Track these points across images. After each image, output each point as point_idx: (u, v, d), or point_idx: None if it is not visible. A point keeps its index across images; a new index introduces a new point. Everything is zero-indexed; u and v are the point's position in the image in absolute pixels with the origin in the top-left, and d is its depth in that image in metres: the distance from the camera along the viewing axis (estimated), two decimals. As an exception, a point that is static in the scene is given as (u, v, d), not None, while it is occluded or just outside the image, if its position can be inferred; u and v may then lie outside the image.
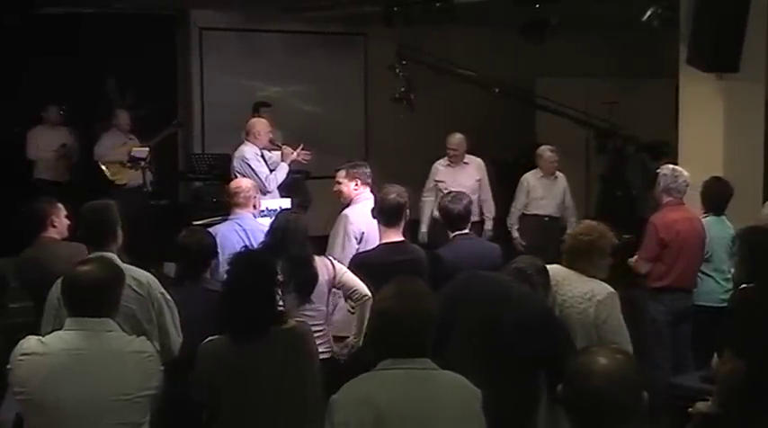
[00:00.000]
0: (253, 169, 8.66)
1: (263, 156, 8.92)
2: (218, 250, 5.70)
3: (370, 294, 5.49)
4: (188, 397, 4.18)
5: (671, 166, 7.22)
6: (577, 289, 4.98)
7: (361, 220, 6.37)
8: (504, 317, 4.45)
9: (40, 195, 11.16)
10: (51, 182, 11.34)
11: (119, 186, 11.01)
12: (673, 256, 6.89)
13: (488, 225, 9.90)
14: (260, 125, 9.07)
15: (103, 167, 11.16)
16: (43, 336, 4.00)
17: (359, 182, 6.68)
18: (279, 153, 9.16)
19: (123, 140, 11.23)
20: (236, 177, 8.58)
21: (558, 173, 10.16)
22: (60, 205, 6.00)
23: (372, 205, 6.29)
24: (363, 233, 6.33)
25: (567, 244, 5.22)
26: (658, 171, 7.17)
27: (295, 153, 9.13)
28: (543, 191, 9.98)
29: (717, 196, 7.28)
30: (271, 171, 8.84)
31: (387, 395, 3.29)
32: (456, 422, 3.37)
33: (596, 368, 2.66)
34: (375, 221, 6.27)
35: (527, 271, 4.81)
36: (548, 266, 4.99)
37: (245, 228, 6.38)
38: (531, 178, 10.04)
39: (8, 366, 3.76)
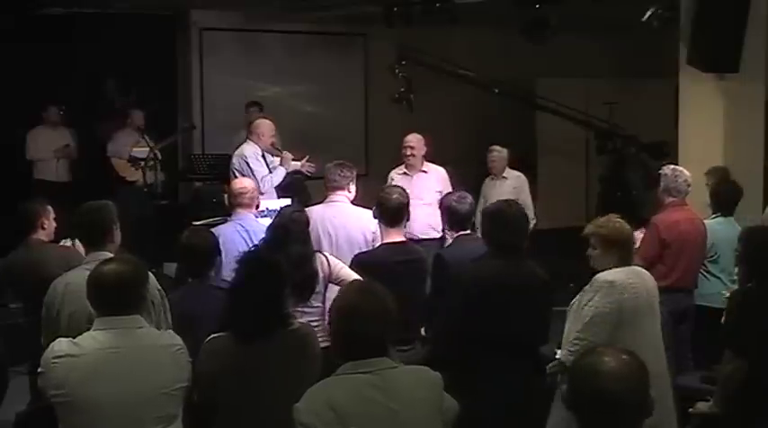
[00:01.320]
0: (251, 168, 8.66)
1: (263, 156, 8.92)
2: (221, 250, 5.70)
3: None
4: (189, 396, 4.17)
5: (671, 166, 7.22)
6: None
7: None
8: None
9: (40, 195, 11.30)
10: (51, 182, 11.36)
11: (129, 182, 11.08)
12: (674, 257, 6.89)
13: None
14: (264, 126, 9.06)
15: (114, 161, 11.33)
16: (44, 340, 4.01)
17: (325, 184, 6.68)
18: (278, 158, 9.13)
19: (137, 139, 11.32)
20: (235, 175, 8.61)
21: (512, 172, 10.08)
22: (49, 207, 5.99)
23: (336, 208, 6.37)
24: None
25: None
26: (660, 171, 7.17)
27: (300, 163, 9.12)
28: (487, 192, 9.84)
29: (727, 197, 7.29)
30: (270, 171, 8.84)
31: (351, 401, 3.25)
32: (425, 417, 3.33)
33: (603, 368, 2.65)
34: (320, 223, 6.30)
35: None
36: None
37: (248, 229, 6.38)
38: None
39: (39, 370, 3.77)
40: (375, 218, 5.94)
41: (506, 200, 5.60)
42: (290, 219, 5.64)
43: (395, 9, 10.96)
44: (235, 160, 8.88)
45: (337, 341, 3.41)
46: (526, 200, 9.69)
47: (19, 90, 11.45)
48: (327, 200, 6.63)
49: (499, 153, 10.09)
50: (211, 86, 12.97)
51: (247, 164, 8.71)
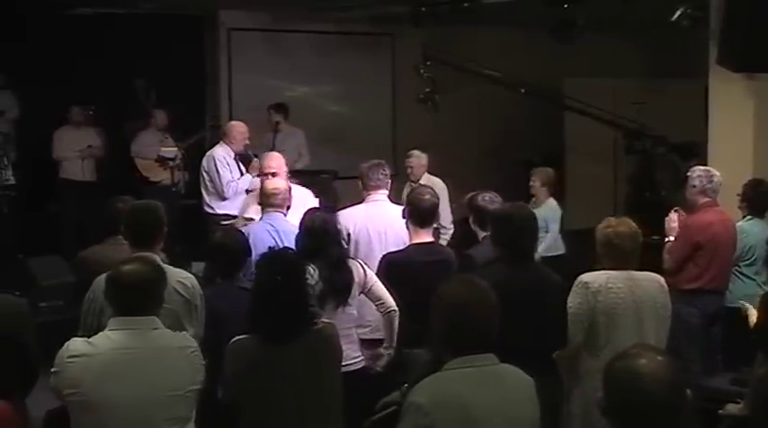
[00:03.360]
0: (217, 170, 8.67)
1: (236, 158, 8.87)
2: (252, 249, 5.71)
3: (396, 308, 5.52)
4: (215, 395, 4.19)
5: (703, 167, 7.17)
6: None
7: (349, 221, 6.35)
8: None
9: (65, 195, 11.38)
10: (77, 181, 11.43)
11: (152, 183, 11.12)
12: (707, 258, 6.83)
13: None
14: (237, 129, 9.04)
15: (137, 161, 11.39)
16: (79, 336, 4.04)
17: (363, 184, 6.67)
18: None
19: (159, 139, 11.37)
20: (203, 175, 8.79)
21: (432, 179, 9.44)
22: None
23: (380, 208, 6.33)
24: (350, 233, 6.30)
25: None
26: (689, 173, 7.12)
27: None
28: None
29: (760, 198, 7.24)
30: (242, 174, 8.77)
31: (472, 393, 3.29)
32: (530, 414, 3.41)
33: (645, 370, 2.64)
34: (368, 222, 6.30)
35: None
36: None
37: (278, 229, 6.37)
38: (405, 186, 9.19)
39: (54, 369, 3.78)
40: (404, 218, 5.92)
41: (514, 204, 5.56)
42: (326, 222, 5.63)
43: (422, 9, 10.95)
44: (204, 160, 8.93)
45: (448, 335, 3.41)
46: (444, 208, 8.95)
47: (49, 89, 11.53)
48: (369, 199, 6.61)
49: (417, 158, 9.69)
50: (239, 86, 13.00)
51: (215, 165, 8.70)
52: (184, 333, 4.12)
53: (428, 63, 12.27)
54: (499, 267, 4.96)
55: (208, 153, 8.96)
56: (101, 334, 3.84)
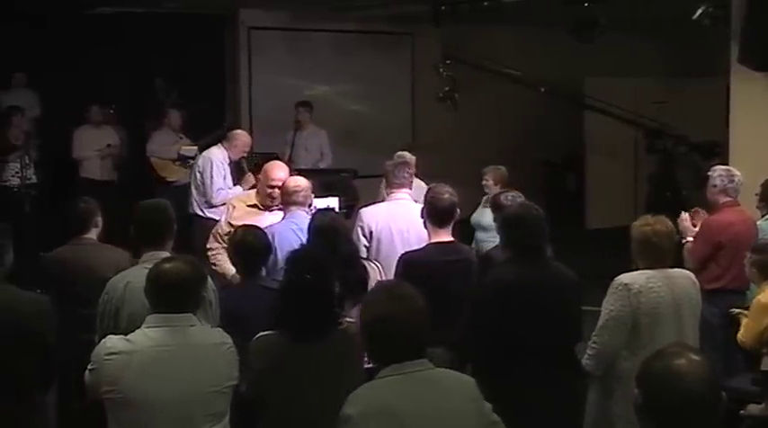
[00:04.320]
0: (211, 174, 8.57)
1: (230, 164, 8.84)
2: (277, 248, 5.72)
3: None
4: (237, 393, 4.19)
5: (725, 167, 7.13)
6: None
7: (371, 219, 6.35)
8: None
9: (85, 194, 11.42)
10: (96, 180, 11.46)
11: (168, 182, 11.13)
12: (728, 258, 6.79)
13: None
14: (241, 139, 8.96)
15: (153, 161, 11.36)
16: (99, 337, 4.04)
17: (388, 182, 6.66)
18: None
19: (174, 139, 11.36)
20: (197, 174, 8.69)
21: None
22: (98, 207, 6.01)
23: (403, 206, 6.31)
24: (372, 231, 6.29)
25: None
26: (710, 172, 7.08)
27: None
28: None
29: None
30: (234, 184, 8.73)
31: (402, 400, 3.24)
32: (469, 416, 3.34)
33: (685, 370, 2.61)
34: (391, 221, 6.27)
35: None
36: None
37: (301, 227, 6.35)
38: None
39: (90, 366, 3.80)
40: (422, 217, 5.89)
41: (523, 204, 5.54)
42: (335, 220, 5.64)
43: (442, 8, 10.94)
44: (200, 159, 8.84)
45: (374, 346, 3.39)
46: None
47: (69, 88, 11.59)
48: (392, 198, 6.60)
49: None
50: (259, 85, 13.03)
51: (210, 168, 8.63)
52: (218, 328, 4.14)
53: (448, 62, 12.27)
54: (512, 266, 4.95)
55: (204, 153, 8.89)
56: (138, 331, 3.84)
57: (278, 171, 6.90)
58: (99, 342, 4.01)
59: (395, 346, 3.30)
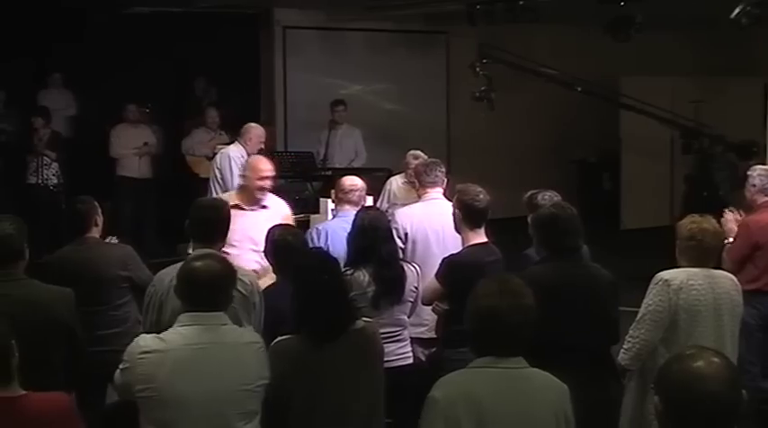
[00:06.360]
0: (231, 170, 8.56)
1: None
2: (329, 246, 5.75)
3: None
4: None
5: (764, 166, 7.06)
6: None
7: (406, 220, 6.32)
8: None
9: (122, 192, 11.50)
10: (133, 178, 11.55)
11: (202, 179, 11.19)
12: (766, 259, 6.71)
13: None
14: (255, 132, 8.95)
15: (187, 158, 11.50)
16: (143, 331, 4.06)
17: (419, 181, 6.63)
18: None
19: (212, 136, 11.43)
20: (215, 171, 8.66)
21: None
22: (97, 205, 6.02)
23: (437, 206, 6.28)
24: (407, 233, 6.26)
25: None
26: (749, 172, 7.01)
27: None
28: (402, 198, 9.07)
29: None
30: None
31: (488, 392, 3.27)
32: (550, 421, 3.35)
33: (708, 371, 2.59)
34: (426, 221, 6.25)
35: None
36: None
37: (353, 226, 6.35)
38: (394, 182, 8.72)
39: (123, 365, 3.81)
40: (454, 217, 5.84)
41: (557, 203, 5.49)
42: (376, 218, 5.61)
43: (477, 7, 10.91)
44: (218, 156, 8.84)
45: (478, 337, 3.40)
46: None
47: (105, 88, 11.67)
48: (426, 197, 6.58)
49: (416, 158, 8.39)
50: (294, 84, 13.06)
51: (229, 165, 8.61)
52: (250, 328, 4.14)
53: (484, 61, 12.23)
54: (548, 266, 4.92)
55: (223, 151, 8.91)
56: (170, 330, 3.85)
57: (266, 163, 6.82)
58: (145, 332, 4.04)
59: (498, 340, 3.33)
